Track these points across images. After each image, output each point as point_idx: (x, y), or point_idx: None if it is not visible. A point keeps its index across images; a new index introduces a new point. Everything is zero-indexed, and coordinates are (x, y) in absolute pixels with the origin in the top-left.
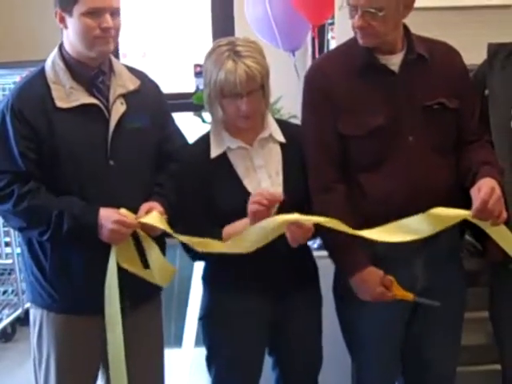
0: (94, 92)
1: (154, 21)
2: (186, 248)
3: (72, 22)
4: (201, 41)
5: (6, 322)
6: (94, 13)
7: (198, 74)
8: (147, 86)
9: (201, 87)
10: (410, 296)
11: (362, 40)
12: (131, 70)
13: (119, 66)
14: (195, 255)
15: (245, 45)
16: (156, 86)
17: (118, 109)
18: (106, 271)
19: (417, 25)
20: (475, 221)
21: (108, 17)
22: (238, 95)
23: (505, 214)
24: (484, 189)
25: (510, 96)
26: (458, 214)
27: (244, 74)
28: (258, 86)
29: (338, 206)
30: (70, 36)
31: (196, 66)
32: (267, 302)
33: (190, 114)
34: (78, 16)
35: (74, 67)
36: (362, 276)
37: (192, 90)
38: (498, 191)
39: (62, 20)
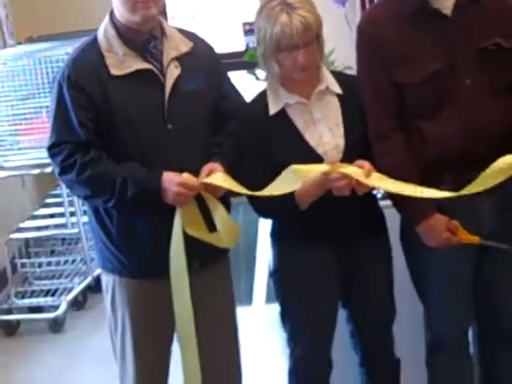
0: (147, 57)
1: None
2: (255, 205)
3: None
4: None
5: (77, 290)
6: None
7: (247, 33)
8: (200, 47)
9: (251, 45)
10: (476, 239)
11: None
12: (183, 32)
13: (171, 29)
14: (263, 212)
15: None
16: (209, 47)
17: (173, 72)
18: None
19: None
20: None
21: None
22: (294, 47)
23: None
24: None
25: None
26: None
27: (300, 24)
28: (313, 37)
29: (396, 154)
30: (116, 2)
31: (245, 24)
32: (337, 253)
33: (242, 73)
34: None
35: (126, 34)
36: (428, 223)
37: (242, 48)
38: None
39: None
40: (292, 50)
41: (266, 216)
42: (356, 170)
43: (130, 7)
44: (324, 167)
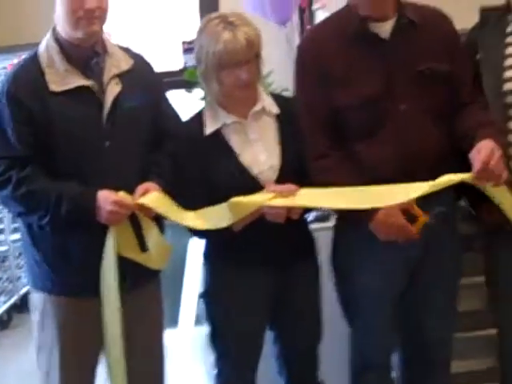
0: (88, 74)
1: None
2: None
3: (58, 3)
4: (187, 18)
5: (2, 309)
6: None
7: (186, 51)
8: (140, 64)
9: (189, 64)
10: (426, 218)
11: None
12: (124, 49)
13: (112, 46)
14: (197, 232)
15: (235, 15)
16: (149, 65)
17: (113, 89)
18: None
19: None
20: (476, 184)
21: None
22: (237, 64)
23: (505, 174)
24: (484, 151)
25: (501, 59)
26: (459, 176)
27: (244, 40)
28: (254, 54)
29: (333, 171)
30: (59, 18)
31: (184, 43)
32: (267, 274)
33: (180, 91)
34: None
35: (68, 50)
36: (382, 213)
37: (181, 66)
38: (497, 152)
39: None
40: (235, 67)
41: (199, 236)
42: (286, 201)
43: (73, 23)
44: (257, 202)
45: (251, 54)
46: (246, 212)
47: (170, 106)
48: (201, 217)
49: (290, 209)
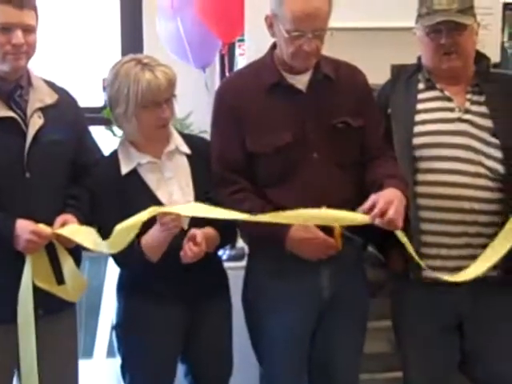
0: (11, 106)
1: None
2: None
3: None
4: (108, 56)
5: None
6: (4, 28)
7: (106, 89)
8: (65, 100)
9: None
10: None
11: (307, 63)
12: (49, 84)
13: (38, 81)
14: (117, 263)
15: (148, 58)
16: (74, 100)
17: (36, 122)
18: (21, 281)
19: (324, 46)
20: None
21: (19, 33)
22: (158, 103)
23: (400, 224)
24: (381, 201)
25: (411, 114)
26: (353, 216)
27: (164, 79)
28: (172, 94)
29: (250, 200)
30: None
31: (104, 80)
32: (180, 309)
33: (99, 128)
34: None
35: None
36: (296, 228)
37: (101, 104)
38: (395, 202)
39: None
40: (156, 106)
41: (120, 266)
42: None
43: (0, 57)
44: (145, 215)
45: (170, 93)
46: (135, 229)
47: (93, 141)
48: (113, 241)
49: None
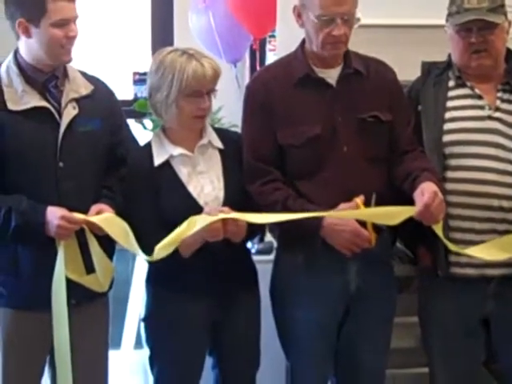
0: (46, 96)
1: (90, 27)
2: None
3: (38, 33)
4: (138, 49)
5: None
6: (62, 24)
7: (136, 82)
8: (101, 91)
9: (139, 95)
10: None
11: (336, 51)
12: (85, 75)
13: (74, 72)
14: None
15: (193, 50)
16: (110, 92)
17: (70, 112)
18: (54, 268)
19: (355, 42)
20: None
21: (74, 26)
22: (200, 93)
23: (441, 217)
24: (427, 193)
25: (441, 112)
26: (403, 210)
27: (211, 70)
28: (215, 86)
29: (282, 190)
30: (33, 45)
31: (135, 73)
32: (208, 302)
33: (129, 121)
34: (47, 27)
35: (28, 72)
36: (332, 218)
37: (130, 97)
38: (440, 195)
39: (26, 30)
40: (198, 95)
41: (149, 261)
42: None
43: (55, 53)
44: (184, 230)
45: (213, 85)
46: (174, 245)
47: (130, 133)
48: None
49: (226, 227)
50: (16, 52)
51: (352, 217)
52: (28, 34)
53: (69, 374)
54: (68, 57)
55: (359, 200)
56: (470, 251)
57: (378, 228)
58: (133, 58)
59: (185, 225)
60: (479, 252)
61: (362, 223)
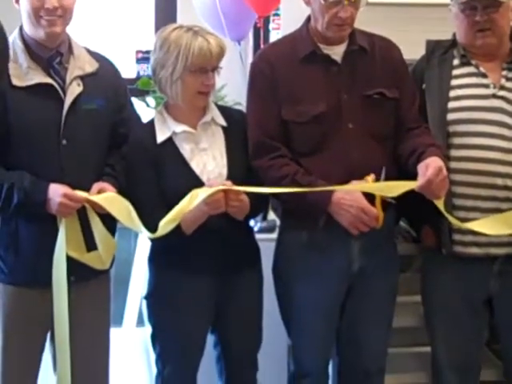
0: (50, 72)
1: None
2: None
3: (22, 3)
4: (141, 28)
5: None
6: None
7: (139, 60)
8: (106, 69)
9: (142, 73)
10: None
11: (341, 33)
12: (91, 52)
13: (79, 48)
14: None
15: (198, 27)
16: (115, 70)
17: (74, 90)
18: (55, 245)
19: (359, 21)
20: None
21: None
22: (205, 70)
23: (443, 194)
24: (431, 168)
25: (445, 90)
26: (404, 184)
27: (217, 47)
28: (219, 63)
29: (289, 165)
30: (23, 16)
31: (138, 52)
32: (211, 280)
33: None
34: None
35: (33, 47)
36: (340, 191)
37: (133, 75)
38: (444, 172)
39: (17, 0)
40: (202, 72)
41: (151, 238)
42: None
43: (34, 23)
44: (186, 204)
45: (218, 62)
46: (177, 220)
47: (134, 112)
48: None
49: (228, 202)
50: (21, 27)
51: (355, 189)
52: (18, 4)
53: (67, 352)
54: (52, 28)
55: (370, 178)
56: (472, 225)
57: (385, 207)
58: (136, 37)
59: (187, 198)
60: (481, 226)
61: (371, 202)
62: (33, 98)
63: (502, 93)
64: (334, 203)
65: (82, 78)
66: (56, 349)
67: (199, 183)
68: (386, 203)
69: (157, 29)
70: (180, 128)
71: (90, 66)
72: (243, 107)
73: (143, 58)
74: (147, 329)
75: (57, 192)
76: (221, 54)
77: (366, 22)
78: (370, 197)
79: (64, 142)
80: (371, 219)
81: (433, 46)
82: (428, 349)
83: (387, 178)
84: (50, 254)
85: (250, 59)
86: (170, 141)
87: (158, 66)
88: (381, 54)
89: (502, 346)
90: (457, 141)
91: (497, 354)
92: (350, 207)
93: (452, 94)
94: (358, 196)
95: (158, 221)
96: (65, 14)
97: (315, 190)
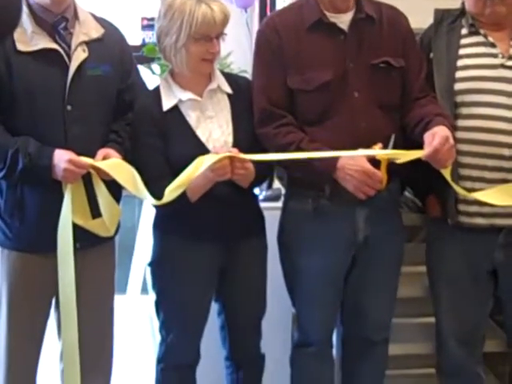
0: (55, 38)
1: None
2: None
3: None
4: None
5: None
6: None
7: (144, 27)
8: (112, 35)
9: (147, 40)
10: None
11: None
12: (97, 18)
13: (84, 14)
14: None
15: None
16: (121, 37)
17: (79, 55)
18: (60, 211)
19: None
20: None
21: None
22: (209, 37)
23: (450, 163)
24: (438, 138)
25: (453, 59)
26: (411, 153)
27: (221, 13)
28: (224, 30)
29: (295, 133)
30: None
31: (143, 19)
32: (215, 248)
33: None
34: None
35: (38, 12)
36: (345, 157)
37: (138, 42)
38: (451, 141)
39: None
40: (207, 39)
41: (156, 205)
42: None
43: None
44: (192, 170)
45: (223, 29)
46: (183, 187)
47: (140, 78)
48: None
49: (233, 169)
50: None
51: (362, 155)
52: None
53: (74, 318)
54: None
55: (377, 147)
56: (477, 195)
57: (390, 172)
58: (141, 4)
59: (193, 165)
60: (487, 197)
61: (376, 166)
62: (38, 63)
63: (510, 63)
64: (340, 169)
65: (88, 43)
66: (61, 316)
67: (205, 151)
68: (391, 167)
69: None
70: (186, 96)
71: (96, 32)
72: (249, 75)
73: (148, 25)
74: (151, 296)
75: (62, 158)
76: (225, 20)
77: None
78: (375, 162)
79: (69, 107)
80: (375, 182)
81: (441, 15)
82: (432, 319)
83: (394, 148)
84: (56, 220)
85: (256, 27)
86: (175, 108)
87: (163, 34)
88: (388, 23)
89: (506, 317)
90: (464, 111)
91: (500, 324)
92: (355, 172)
93: (460, 63)
94: (361, 160)
95: (163, 188)
96: None
97: (321, 155)
